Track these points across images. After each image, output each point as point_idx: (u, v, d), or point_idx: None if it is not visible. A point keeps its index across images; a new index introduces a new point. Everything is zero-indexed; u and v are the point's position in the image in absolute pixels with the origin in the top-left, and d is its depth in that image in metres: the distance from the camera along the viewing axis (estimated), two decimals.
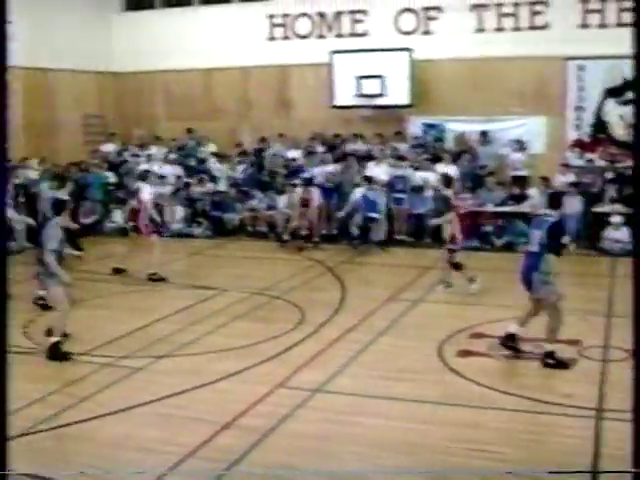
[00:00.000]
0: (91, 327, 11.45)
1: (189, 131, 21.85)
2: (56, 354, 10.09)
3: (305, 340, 10.53)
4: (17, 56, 19.75)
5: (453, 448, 7.16)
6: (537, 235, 9.31)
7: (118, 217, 20.09)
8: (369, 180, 17.59)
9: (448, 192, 13.59)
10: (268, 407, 8.21)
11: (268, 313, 12.23)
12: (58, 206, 11.09)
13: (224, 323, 11.48)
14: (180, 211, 19.75)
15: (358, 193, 17.52)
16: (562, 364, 9.26)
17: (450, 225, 13.12)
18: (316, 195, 17.90)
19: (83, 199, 19.19)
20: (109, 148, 21.92)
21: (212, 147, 21.34)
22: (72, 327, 11.16)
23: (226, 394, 8.58)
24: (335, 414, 8.03)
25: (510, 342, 9.67)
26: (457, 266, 13.06)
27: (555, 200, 9.99)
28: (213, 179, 20.28)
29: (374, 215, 17.29)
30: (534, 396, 8.33)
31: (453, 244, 13.10)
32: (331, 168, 18.75)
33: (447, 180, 13.96)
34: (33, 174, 19.16)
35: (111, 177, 20.71)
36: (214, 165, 20.64)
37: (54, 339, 10.25)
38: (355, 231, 17.39)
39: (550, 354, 9.31)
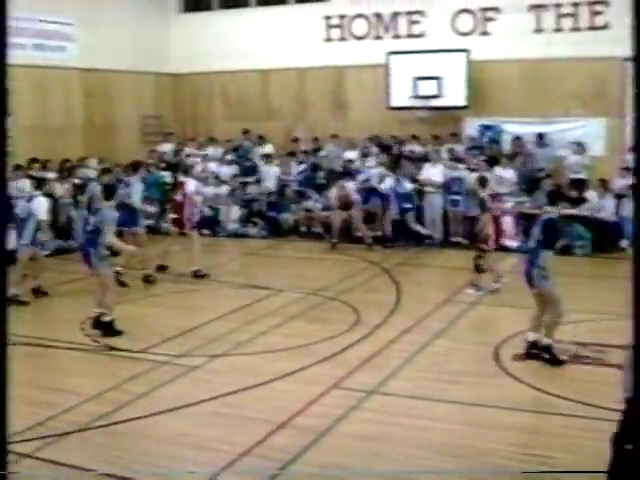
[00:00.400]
0: (148, 325, 11.59)
1: (245, 132, 21.96)
2: (103, 326, 10.93)
3: (360, 341, 10.52)
4: (77, 57, 20.23)
5: (505, 452, 7.09)
6: (535, 232, 9.66)
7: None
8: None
9: (483, 193, 13.51)
10: (323, 408, 8.22)
11: (323, 314, 12.24)
12: (108, 191, 11.63)
13: (280, 323, 11.52)
14: (236, 211, 19.87)
15: (387, 184, 17.50)
16: (557, 361, 9.39)
17: (485, 227, 13.12)
18: (355, 196, 17.90)
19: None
20: (166, 148, 22.13)
21: (269, 148, 21.41)
22: (130, 324, 11.35)
23: (281, 394, 8.61)
24: (389, 416, 8.01)
25: (534, 349, 9.63)
26: (479, 269, 12.97)
27: (553, 197, 10.32)
28: (259, 181, 20.34)
29: (408, 205, 17.39)
30: (591, 401, 8.19)
31: (485, 245, 13.08)
32: (385, 170, 18.68)
33: (482, 181, 13.83)
34: (92, 173, 19.44)
35: (167, 177, 20.89)
36: (264, 167, 20.70)
37: (99, 310, 11.01)
38: (417, 228, 17.57)
39: (546, 348, 9.47)
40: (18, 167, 17.92)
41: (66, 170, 18.86)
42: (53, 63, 19.73)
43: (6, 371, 3.91)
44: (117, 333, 11.01)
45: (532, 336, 9.70)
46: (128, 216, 14.16)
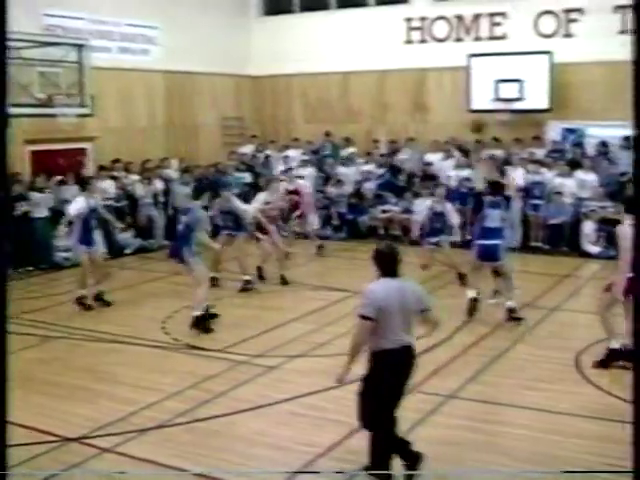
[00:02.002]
0: (227, 325, 11.73)
1: (327, 134, 22.07)
2: (200, 325, 11.23)
3: (439, 345, 10.45)
4: (160, 60, 20.58)
5: (584, 461, 6.97)
6: (497, 214, 11.60)
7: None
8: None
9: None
10: (400, 411, 8.18)
11: None
12: (198, 191, 12.12)
13: None
14: (314, 215, 19.91)
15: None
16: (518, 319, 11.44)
17: None
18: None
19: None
20: (246, 150, 22.35)
21: (351, 149, 21.45)
22: (214, 325, 11.51)
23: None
24: (467, 421, 7.94)
25: (617, 357, 9.44)
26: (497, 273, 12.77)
27: (494, 187, 11.96)
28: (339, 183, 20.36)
29: None
30: None
31: None
32: (466, 173, 18.52)
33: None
34: (173, 174, 19.76)
35: (247, 178, 21.12)
36: (345, 169, 20.73)
37: (197, 313, 11.27)
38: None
39: (513, 310, 11.56)
40: (102, 168, 18.36)
41: (147, 171, 19.20)
42: (137, 66, 20.12)
43: (6, 373, 3.95)
44: (207, 330, 11.27)
45: (615, 344, 9.49)
46: (231, 221, 14.38)
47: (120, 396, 8.83)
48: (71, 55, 16.46)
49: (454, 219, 14.03)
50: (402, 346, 6.34)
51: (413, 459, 6.62)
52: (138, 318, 12.14)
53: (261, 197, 15.02)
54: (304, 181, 15.69)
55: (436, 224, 13.89)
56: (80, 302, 12.79)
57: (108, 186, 17.83)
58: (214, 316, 11.74)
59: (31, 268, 15.77)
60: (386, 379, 6.37)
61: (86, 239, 12.82)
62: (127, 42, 20.03)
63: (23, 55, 15.54)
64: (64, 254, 16.25)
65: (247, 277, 14.19)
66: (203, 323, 11.34)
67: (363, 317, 6.28)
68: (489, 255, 11.66)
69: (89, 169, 18.48)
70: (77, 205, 12.72)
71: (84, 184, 13.46)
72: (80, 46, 16.54)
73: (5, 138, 3.82)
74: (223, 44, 22.51)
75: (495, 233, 11.59)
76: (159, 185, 18.91)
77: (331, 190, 20.24)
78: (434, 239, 13.94)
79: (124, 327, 11.64)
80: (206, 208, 13.69)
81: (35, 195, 16.27)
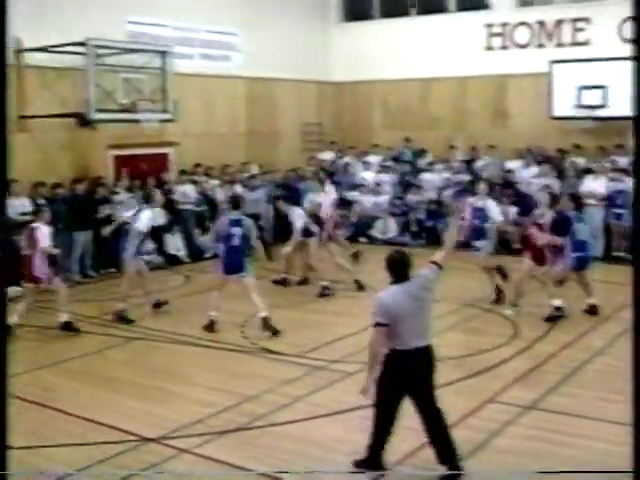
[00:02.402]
0: (305, 330, 11.78)
1: (407, 140, 22.01)
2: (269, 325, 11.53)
3: (518, 355, 10.33)
4: (241, 66, 20.80)
5: None
6: (585, 227, 12.19)
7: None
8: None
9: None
10: (478, 421, 8.13)
11: (480, 325, 12.10)
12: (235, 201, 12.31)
13: (435, 333, 11.39)
14: (394, 220, 19.92)
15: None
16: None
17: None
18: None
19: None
20: (326, 156, 22.43)
21: (429, 157, 21.35)
22: (288, 328, 11.59)
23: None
24: (546, 432, 7.82)
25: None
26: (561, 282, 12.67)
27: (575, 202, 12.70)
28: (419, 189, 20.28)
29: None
30: None
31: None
32: (548, 181, 18.24)
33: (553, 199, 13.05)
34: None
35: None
36: (424, 175, 20.65)
37: (264, 314, 11.55)
38: None
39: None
40: (183, 172, 18.63)
41: (227, 176, 19.41)
42: (219, 72, 20.38)
43: (6, 373, 3.99)
44: (275, 332, 11.44)
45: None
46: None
47: (198, 398, 8.95)
48: (154, 61, 16.76)
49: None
50: (416, 348, 6.59)
51: (450, 459, 6.74)
52: (219, 321, 12.26)
53: (313, 198, 15.09)
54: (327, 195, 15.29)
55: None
56: (121, 317, 12.60)
57: (189, 190, 18.11)
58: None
59: (113, 270, 16.07)
60: (396, 379, 6.64)
61: (140, 250, 12.86)
62: (208, 48, 20.30)
63: (108, 62, 15.92)
64: (146, 257, 16.52)
65: (324, 283, 14.23)
66: (271, 324, 11.55)
67: (377, 324, 6.56)
68: (583, 266, 12.28)
69: (171, 174, 18.78)
70: (147, 221, 12.65)
71: (148, 197, 13.38)
72: (163, 53, 16.84)
73: (5, 141, 3.81)
74: (304, 50, 22.66)
75: (588, 245, 12.36)
76: (239, 190, 19.09)
77: (410, 197, 20.17)
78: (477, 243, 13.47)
79: (201, 330, 11.77)
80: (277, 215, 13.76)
81: (118, 198, 16.61)
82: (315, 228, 14.53)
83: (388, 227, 19.85)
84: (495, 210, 13.50)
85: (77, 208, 15.79)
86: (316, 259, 14.57)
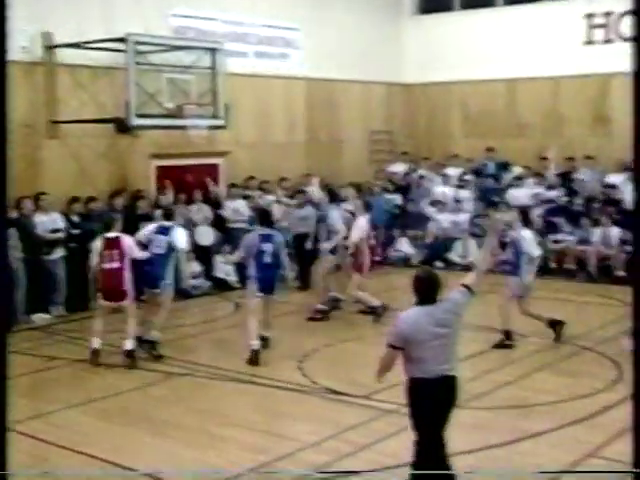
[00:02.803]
0: (371, 367, 11.68)
1: (489, 150, 21.89)
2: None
3: (623, 402, 10.09)
4: (301, 66, 20.79)
5: None
6: None
7: (404, 245, 20.50)
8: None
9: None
10: (577, 478, 7.94)
11: (577, 366, 11.87)
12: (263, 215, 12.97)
13: (523, 374, 11.30)
14: (473, 243, 19.75)
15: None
16: None
17: None
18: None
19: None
20: (397, 168, 22.39)
21: (517, 170, 21.13)
22: (353, 365, 11.52)
23: (526, 457, 8.39)
24: None
25: None
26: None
27: None
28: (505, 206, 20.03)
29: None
30: None
31: None
32: None
33: None
34: (316, 194, 19.92)
35: (397, 200, 21.16)
36: (512, 191, 20.44)
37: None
38: None
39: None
40: (233, 186, 18.68)
41: (284, 190, 19.43)
42: (275, 72, 20.53)
43: (6, 373, 4.00)
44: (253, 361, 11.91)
45: None
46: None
47: (250, 443, 8.92)
48: (203, 60, 16.87)
49: None
50: (438, 376, 6.76)
51: None
52: (271, 355, 12.25)
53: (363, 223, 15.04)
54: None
55: None
56: (152, 350, 12.56)
57: (240, 207, 18.18)
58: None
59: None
60: (420, 409, 6.89)
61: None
62: (264, 45, 20.42)
63: (150, 60, 16.08)
64: (192, 281, 16.65)
65: (375, 303, 14.60)
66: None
67: (389, 345, 6.91)
68: None
69: (219, 187, 18.89)
70: (185, 238, 12.80)
71: (168, 214, 13.24)
72: (213, 50, 16.92)
73: (5, 137, 3.86)
74: (372, 47, 22.71)
75: None
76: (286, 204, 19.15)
77: (494, 215, 19.94)
78: None
79: (255, 366, 11.77)
80: None
81: (159, 214, 16.74)
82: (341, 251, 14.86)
83: (468, 250, 19.69)
84: (527, 244, 13.18)
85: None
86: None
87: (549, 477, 7.94)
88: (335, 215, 15.05)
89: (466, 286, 7.05)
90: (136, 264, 12.27)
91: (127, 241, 12.04)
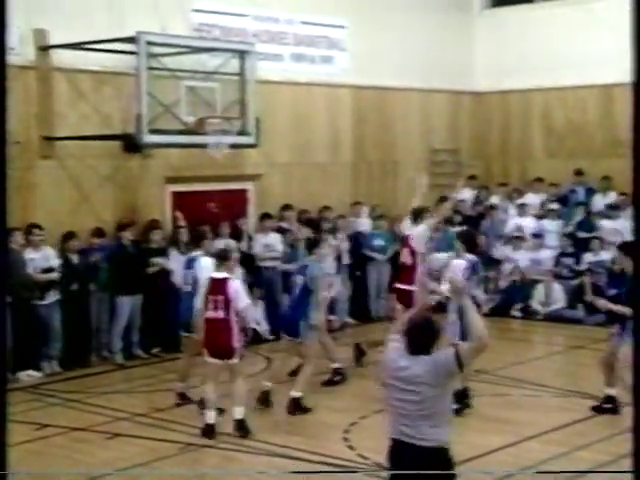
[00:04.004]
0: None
1: (578, 173, 21.72)
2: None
3: None
4: (347, 71, 20.68)
5: None
6: None
7: (472, 289, 20.25)
8: None
9: None
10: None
11: None
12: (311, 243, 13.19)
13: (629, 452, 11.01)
14: (560, 286, 19.51)
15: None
16: None
17: None
18: None
19: None
20: (464, 195, 22.21)
21: (612, 197, 20.88)
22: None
23: None
24: None
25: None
26: None
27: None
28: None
29: None
30: None
31: None
32: None
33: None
34: (365, 224, 19.82)
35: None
36: (606, 222, 20.19)
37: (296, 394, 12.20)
38: None
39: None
40: (266, 216, 18.59)
41: (328, 222, 19.32)
42: (317, 79, 20.51)
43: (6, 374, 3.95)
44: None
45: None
46: None
47: None
48: (230, 65, 16.84)
49: None
50: (397, 439, 6.90)
51: None
52: (311, 423, 12.10)
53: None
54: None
55: None
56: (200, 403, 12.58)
57: (274, 241, 18.08)
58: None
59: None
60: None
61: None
62: (303, 46, 20.41)
63: (166, 65, 16.05)
64: None
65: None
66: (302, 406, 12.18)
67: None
68: None
69: (249, 218, 18.81)
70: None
71: (222, 259, 12.62)
72: (242, 52, 16.88)
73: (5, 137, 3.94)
74: (434, 48, 22.61)
75: None
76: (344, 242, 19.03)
77: (588, 255, 19.63)
78: None
79: (291, 436, 11.64)
80: None
81: (174, 254, 16.67)
82: None
83: (552, 296, 19.45)
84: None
85: (123, 263, 15.97)
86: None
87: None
88: None
89: (457, 352, 6.90)
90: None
91: (234, 285, 11.71)
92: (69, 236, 15.73)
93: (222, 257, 11.97)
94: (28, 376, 14.77)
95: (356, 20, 21.07)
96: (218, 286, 11.64)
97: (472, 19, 23.99)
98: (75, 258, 15.60)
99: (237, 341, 11.61)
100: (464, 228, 20.54)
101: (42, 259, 15.10)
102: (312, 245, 13.26)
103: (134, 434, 11.95)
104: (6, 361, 4.05)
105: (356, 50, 21.05)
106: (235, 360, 11.64)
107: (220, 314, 11.55)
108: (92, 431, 11.97)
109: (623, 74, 19.40)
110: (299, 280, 12.44)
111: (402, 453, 6.87)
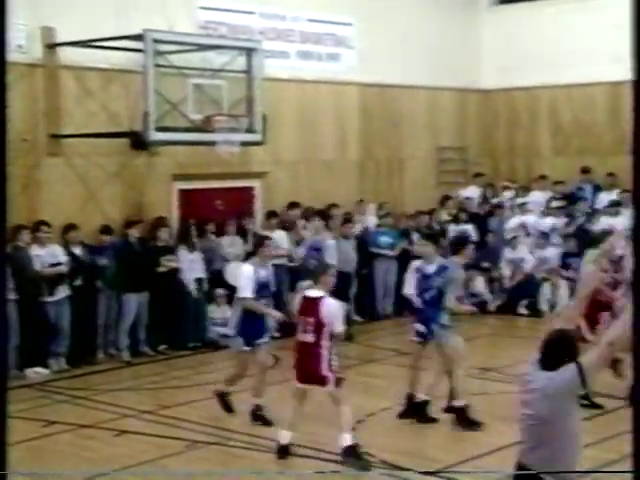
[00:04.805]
0: (442, 437, 11.47)
1: (585, 171, 21.71)
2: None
3: None
4: (354, 68, 20.63)
5: None
6: None
7: (478, 286, 20.25)
8: None
9: None
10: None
11: None
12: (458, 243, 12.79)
13: None
14: (566, 284, 19.47)
15: None
16: None
17: None
18: None
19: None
20: (471, 193, 22.20)
21: (614, 194, 20.80)
22: (427, 437, 11.33)
23: None
24: None
25: None
26: None
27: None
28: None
29: None
30: None
31: None
32: None
33: None
34: (371, 221, 19.80)
35: (471, 232, 20.92)
36: (609, 219, 20.10)
37: (459, 403, 11.73)
38: None
39: None
40: (272, 214, 18.59)
41: (336, 219, 19.30)
42: (323, 76, 20.51)
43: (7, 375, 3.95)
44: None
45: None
46: None
47: None
48: (237, 62, 16.83)
49: None
50: (518, 455, 6.91)
51: None
52: (318, 421, 12.08)
53: None
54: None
55: None
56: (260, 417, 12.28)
57: (281, 239, 18.06)
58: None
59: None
60: None
61: (250, 328, 12.26)
62: (310, 44, 20.40)
63: (173, 62, 16.05)
64: (221, 329, 16.57)
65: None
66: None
67: None
68: None
69: (255, 216, 18.81)
70: (246, 280, 12.09)
71: (257, 246, 12.86)
72: (249, 50, 16.88)
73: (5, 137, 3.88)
74: (441, 45, 22.59)
75: None
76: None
77: (590, 252, 19.64)
78: None
79: (299, 432, 11.58)
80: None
81: (184, 252, 16.71)
82: None
83: (559, 294, 19.40)
84: None
85: (130, 261, 16.00)
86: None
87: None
88: None
89: (579, 365, 6.50)
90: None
91: (330, 307, 10.55)
92: (70, 227, 15.78)
93: (318, 271, 11.07)
94: (35, 373, 14.78)
95: (363, 17, 21.05)
96: (310, 306, 10.55)
97: (479, 16, 23.95)
98: (78, 250, 15.63)
99: (328, 368, 10.47)
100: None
101: (49, 256, 15.09)
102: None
103: (141, 431, 11.95)
104: (7, 361, 4.03)
105: (363, 48, 21.04)
106: (330, 388, 10.57)
107: (310, 338, 10.49)
108: (99, 428, 12.00)
109: (631, 71, 19.36)
110: (436, 282, 11.94)
111: (516, 469, 6.90)
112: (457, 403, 11.80)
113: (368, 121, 21.48)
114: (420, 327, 12.08)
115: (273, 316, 13.09)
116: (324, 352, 10.43)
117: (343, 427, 10.54)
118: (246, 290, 12.00)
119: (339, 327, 10.55)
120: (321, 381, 10.53)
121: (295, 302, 10.99)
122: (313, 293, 10.63)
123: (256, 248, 12.39)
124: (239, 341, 12.28)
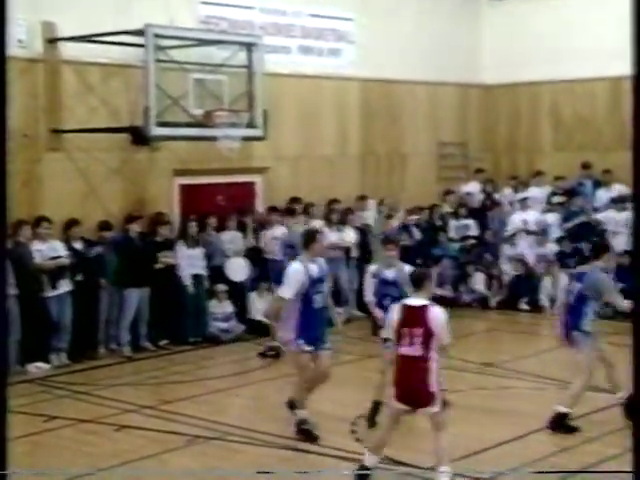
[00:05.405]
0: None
1: (585, 166, 21.70)
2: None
3: None
4: (355, 64, 20.61)
5: None
6: None
7: (479, 283, 20.27)
8: None
9: None
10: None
11: None
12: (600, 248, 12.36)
13: None
14: (564, 278, 19.45)
15: None
16: None
17: None
18: None
19: (431, 258, 19.50)
20: (471, 188, 22.19)
21: (616, 189, 20.77)
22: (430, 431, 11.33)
23: None
24: None
25: None
26: None
27: None
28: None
29: None
30: None
31: None
32: None
33: None
34: (371, 218, 19.80)
35: (472, 228, 20.94)
36: (610, 214, 20.09)
37: (563, 409, 11.48)
38: None
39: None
40: (273, 210, 18.57)
41: (336, 214, 19.29)
42: (324, 71, 20.50)
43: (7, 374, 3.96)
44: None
45: None
46: None
47: None
48: (238, 57, 16.83)
49: None
50: None
51: None
52: (317, 415, 12.08)
53: None
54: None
55: None
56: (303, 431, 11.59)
57: (282, 234, 18.05)
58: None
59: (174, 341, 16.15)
60: None
61: (308, 330, 11.34)
62: (311, 39, 20.39)
63: (174, 57, 16.05)
64: (221, 324, 16.57)
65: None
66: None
67: None
68: None
69: (258, 211, 18.80)
70: (289, 279, 11.26)
71: (308, 241, 11.61)
72: (249, 45, 16.88)
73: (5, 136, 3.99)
74: (442, 40, 22.60)
75: None
76: (351, 235, 19.01)
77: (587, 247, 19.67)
78: None
79: (297, 433, 11.57)
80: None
81: (182, 248, 16.70)
82: None
83: (559, 289, 19.36)
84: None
85: (131, 256, 16.01)
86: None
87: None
88: None
89: None
90: None
91: (437, 316, 9.53)
92: (72, 223, 15.81)
93: (419, 278, 9.92)
94: (36, 368, 14.79)
95: (364, 12, 21.05)
96: (416, 315, 9.52)
97: (480, 11, 23.97)
98: (79, 245, 15.64)
99: (435, 385, 9.45)
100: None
101: (49, 250, 15.09)
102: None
103: (142, 426, 11.96)
104: (8, 356, 4.07)
105: (364, 43, 21.04)
106: (434, 409, 9.47)
107: (417, 351, 9.42)
108: (100, 423, 12.00)
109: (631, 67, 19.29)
110: (575, 287, 11.74)
111: None
112: (562, 409, 11.54)
113: (369, 116, 21.47)
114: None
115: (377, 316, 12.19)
116: (433, 366, 9.44)
117: (441, 458, 9.51)
118: (286, 290, 11.22)
119: (447, 338, 9.52)
120: (426, 400, 9.45)
121: (394, 312, 9.75)
122: (416, 301, 9.63)
123: (307, 244, 11.46)
124: (299, 342, 11.29)
